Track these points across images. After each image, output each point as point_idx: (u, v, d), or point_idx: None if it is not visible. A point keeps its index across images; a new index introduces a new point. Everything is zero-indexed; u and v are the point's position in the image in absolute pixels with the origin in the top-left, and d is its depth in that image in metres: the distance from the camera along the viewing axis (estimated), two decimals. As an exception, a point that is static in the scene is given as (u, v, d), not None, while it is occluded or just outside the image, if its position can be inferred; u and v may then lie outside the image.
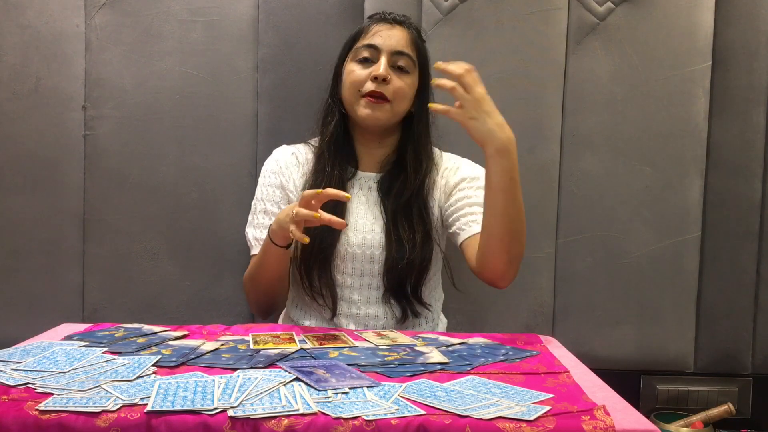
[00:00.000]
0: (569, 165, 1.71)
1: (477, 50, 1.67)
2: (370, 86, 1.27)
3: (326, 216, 1.08)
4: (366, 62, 1.29)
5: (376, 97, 1.27)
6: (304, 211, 1.08)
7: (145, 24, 1.69)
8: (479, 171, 1.35)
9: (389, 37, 1.29)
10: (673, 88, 1.69)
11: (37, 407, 0.72)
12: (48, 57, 1.69)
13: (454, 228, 1.30)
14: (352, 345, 1.02)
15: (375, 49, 1.29)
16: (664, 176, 1.71)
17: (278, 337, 1.06)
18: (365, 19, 1.35)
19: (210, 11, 1.70)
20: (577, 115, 1.70)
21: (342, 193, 1.09)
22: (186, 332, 1.08)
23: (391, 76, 1.27)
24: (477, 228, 1.23)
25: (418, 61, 1.33)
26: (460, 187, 1.33)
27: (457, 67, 1.10)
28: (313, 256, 1.28)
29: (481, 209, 1.21)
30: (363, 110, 1.28)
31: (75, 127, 1.70)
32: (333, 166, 1.31)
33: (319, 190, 1.09)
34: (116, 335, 1.05)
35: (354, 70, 1.30)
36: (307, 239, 1.08)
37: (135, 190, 1.71)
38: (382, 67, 1.26)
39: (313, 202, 1.09)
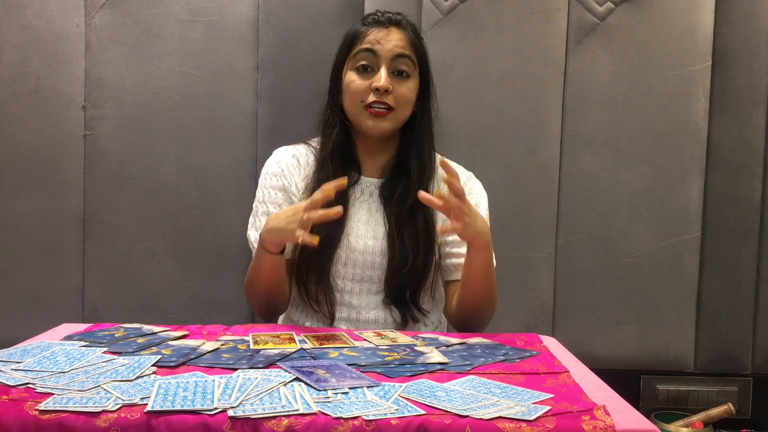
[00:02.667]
0: (569, 165, 1.71)
1: (477, 50, 1.67)
2: (372, 97, 1.25)
3: (322, 212, 1.10)
4: (365, 70, 1.27)
5: (379, 108, 1.25)
6: (317, 213, 1.10)
7: (145, 24, 1.69)
8: (482, 198, 1.35)
9: (387, 42, 1.26)
10: (673, 88, 1.69)
11: (37, 407, 0.72)
12: (48, 57, 1.69)
13: (443, 263, 1.33)
14: (352, 345, 1.02)
15: (373, 54, 1.26)
16: (664, 176, 1.71)
17: (278, 337, 1.06)
18: (359, 22, 1.32)
19: (210, 11, 1.70)
20: (577, 115, 1.70)
21: (338, 181, 1.12)
22: (186, 332, 1.08)
23: (392, 86, 1.25)
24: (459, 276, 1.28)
25: (418, 62, 1.31)
26: None
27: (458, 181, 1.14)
28: (310, 263, 1.27)
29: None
30: (367, 122, 1.26)
31: (75, 127, 1.70)
32: (335, 174, 1.28)
33: (323, 193, 1.10)
34: (116, 335, 1.04)
35: (354, 81, 1.26)
36: (317, 240, 1.10)
37: (135, 190, 1.71)
38: (383, 78, 1.24)
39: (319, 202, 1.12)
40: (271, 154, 1.41)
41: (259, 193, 1.36)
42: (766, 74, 1.72)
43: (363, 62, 1.27)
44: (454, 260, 1.30)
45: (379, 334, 1.11)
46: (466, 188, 1.34)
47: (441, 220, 1.32)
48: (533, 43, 1.67)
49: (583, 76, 1.69)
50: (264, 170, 1.37)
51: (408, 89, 1.28)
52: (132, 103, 1.70)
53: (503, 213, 1.68)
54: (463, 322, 1.28)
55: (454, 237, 1.30)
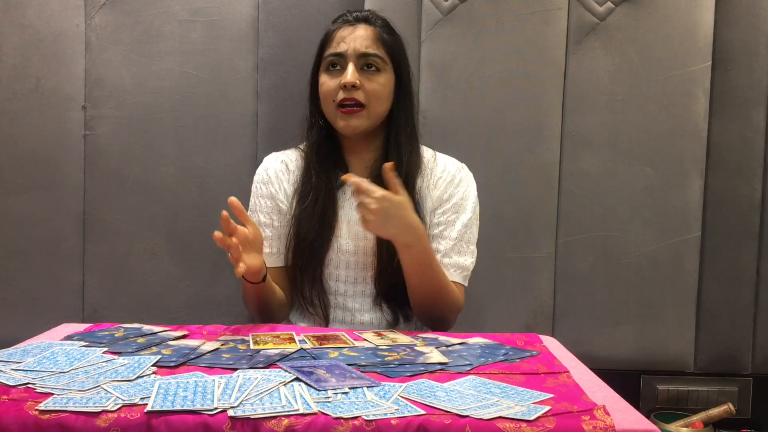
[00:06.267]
0: (569, 165, 1.71)
1: (477, 50, 1.67)
2: (341, 95, 1.25)
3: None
4: (335, 69, 1.27)
5: (350, 106, 1.25)
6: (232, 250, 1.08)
7: (145, 24, 1.69)
8: (470, 189, 1.32)
9: (353, 40, 1.26)
10: (673, 88, 1.69)
11: (37, 407, 0.72)
12: (48, 57, 1.69)
13: None
14: (352, 345, 1.02)
15: (340, 56, 1.27)
16: (664, 176, 1.71)
17: (278, 337, 1.06)
18: (330, 23, 1.32)
19: (210, 11, 1.70)
20: (577, 115, 1.70)
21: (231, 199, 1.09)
22: (186, 332, 1.08)
23: (361, 81, 1.24)
24: None
25: (390, 56, 1.29)
26: (444, 209, 1.30)
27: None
28: (303, 267, 1.27)
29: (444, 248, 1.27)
30: (340, 122, 1.26)
31: (75, 127, 1.70)
32: (320, 176, 1.29)
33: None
34: (116, 335, 1.04)
35: (325, 81, 1.27)
36: (241, 272, 1.08)
37: (135, 190, 1.71)
38: (349, 74, 1.23)
39: (231, 226, 1.08)
40: (270, 154, 1.41)
41: (250, 201, 1.37)
42: (766, 74, 1.72)
43: (332, 61, 1.27)
44: None
45: (379, 334, 1.11)
46: (455, 180, 1.33)
47: (428, 213, 1.31)
48: (533, 43, 1.67)
49: (583, 76, 1.69)
50: (254, 178, 1.38)
51: (379, 84, 1.26)
52: (132, 103, 1.70)
53: (503, 213, 1.68)
54: (421, 319, 1.28)
55: (434, 231, 1.30)
